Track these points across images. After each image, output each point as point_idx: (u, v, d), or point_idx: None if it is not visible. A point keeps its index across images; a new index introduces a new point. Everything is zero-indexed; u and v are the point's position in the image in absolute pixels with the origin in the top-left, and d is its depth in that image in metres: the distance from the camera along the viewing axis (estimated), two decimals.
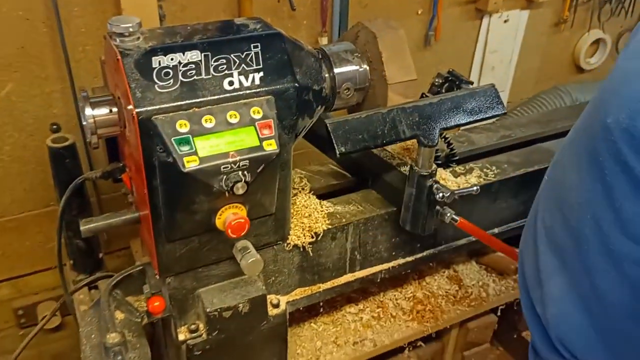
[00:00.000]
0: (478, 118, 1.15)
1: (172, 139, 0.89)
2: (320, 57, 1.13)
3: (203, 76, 0.93)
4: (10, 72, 1.41)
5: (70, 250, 1.33)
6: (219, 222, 0.98)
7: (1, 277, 1.63)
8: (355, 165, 1.38)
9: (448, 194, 1.12)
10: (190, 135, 0.90)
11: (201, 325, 1.12)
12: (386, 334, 1.41)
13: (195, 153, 0.90)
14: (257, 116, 0.95)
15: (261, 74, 0.97)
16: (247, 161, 0.93)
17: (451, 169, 1.38)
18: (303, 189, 1.24)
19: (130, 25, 0.93)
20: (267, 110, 0.96)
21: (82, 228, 1.06)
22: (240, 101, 0.95)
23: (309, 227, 1.16)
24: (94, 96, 0.97)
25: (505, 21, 1.97)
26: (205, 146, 0.91)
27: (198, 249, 1.04)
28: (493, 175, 1.36)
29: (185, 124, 0.90)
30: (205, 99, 0.92)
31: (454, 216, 1.17)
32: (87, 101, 0.95)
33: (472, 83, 1.33)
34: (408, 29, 1.38)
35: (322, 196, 1.27)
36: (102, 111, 0.96)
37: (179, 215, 0.96)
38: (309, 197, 1.22)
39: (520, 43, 2.07)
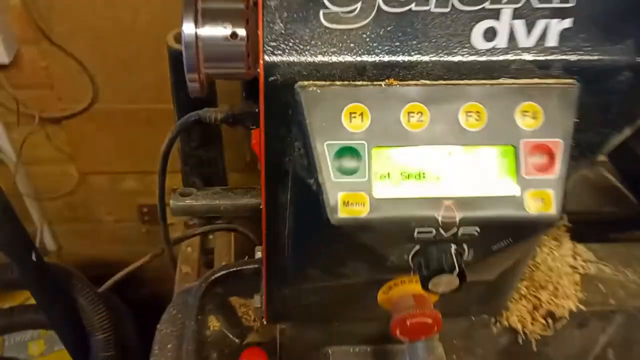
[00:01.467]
0: None
1: (327, 143, 0.39)
2: None
3: (432, 7, 0.40)
4: None
5: (185, 186, 0.96)
6: (383, 298, 0.50)
7: (128, 169, 1.35)
8: None
9: None
10: (365, 143, 0.40)
11: None
12: None
13: (368, 187, 0.39)
14: (530, 125, 0.41)
15: (567, 23, 0.40)
16: (476, 229, 0.40)
17: None
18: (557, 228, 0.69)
19: None
20: (555, 115, 0.41)
21: (172, 204, 0.65)
22: (501, 82, 0.41)
23: (547, 306, 0.63)
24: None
25: None
26: (393, 175, 0.40)
27: (334, 302, 0.58)
28: None
29: (362, 114, 0.40)
30: (422, 58, 0.40)
31: None
32: (192, 5, 0.47)
33: None
34: None
35: (576, 230, 0.71)
36: (219, 31, 0.48)
37: (310, 270, 0.50)
38: (561, 248, 0.67)
39: None
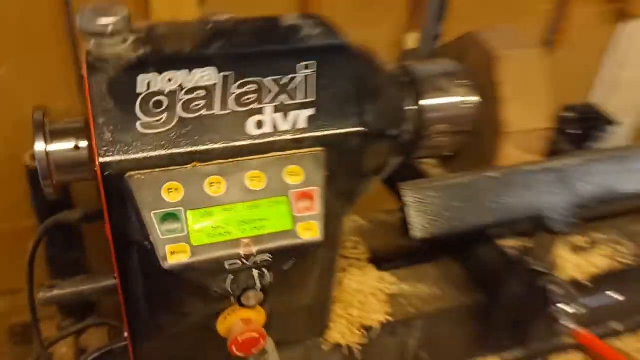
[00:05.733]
0: None
1: (153, 212, 0.55)
2: (403, 80, 0.76)
3: (216, 111, 0.59)
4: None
5: None
6: (221, 328, 0.64)
7: None
8: None
9: (578, 309, 0.74)
10: (182, 209, 0.56)
11: None
12: None
13: (187, 239, 0.56)
14: (295, 181, 0.60)
15: (311, 111, 0.61)
16: (269, 255, 0.58)
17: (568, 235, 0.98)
18: (358, 259, 0.88)
19: (112, 19, 0.58)
20: (311, 172, 0.60)
21: (39, 297, 0.76)
22: (271, 155, 0.60)
23: (360, 320, 0.81)
24: (55, 122, 0.64)
25: None
26: (205, 228, 0.56)
27: (193, 348, 0.72)
28: (632, 258, 0.95)
29: (177, 189, 0.56)
30: (214, 146, 0.58)
31: (573, 326, 0.79)
32: (40, 128, 0.62)
33: (618, 124, 0.94)
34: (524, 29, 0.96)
35: (383, 261, 0.92)
36: (64, 146, 0.63)
37: (162, 317, 0.64)
38: (365, 274, 0.86)
39: None
